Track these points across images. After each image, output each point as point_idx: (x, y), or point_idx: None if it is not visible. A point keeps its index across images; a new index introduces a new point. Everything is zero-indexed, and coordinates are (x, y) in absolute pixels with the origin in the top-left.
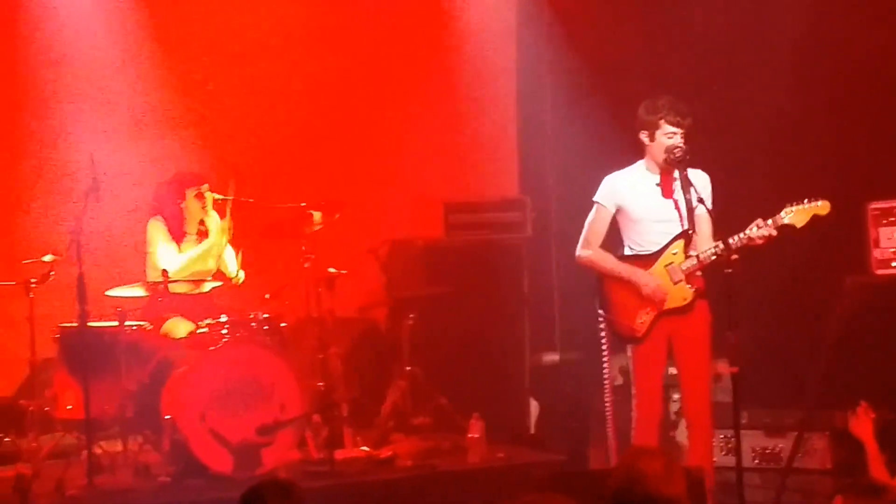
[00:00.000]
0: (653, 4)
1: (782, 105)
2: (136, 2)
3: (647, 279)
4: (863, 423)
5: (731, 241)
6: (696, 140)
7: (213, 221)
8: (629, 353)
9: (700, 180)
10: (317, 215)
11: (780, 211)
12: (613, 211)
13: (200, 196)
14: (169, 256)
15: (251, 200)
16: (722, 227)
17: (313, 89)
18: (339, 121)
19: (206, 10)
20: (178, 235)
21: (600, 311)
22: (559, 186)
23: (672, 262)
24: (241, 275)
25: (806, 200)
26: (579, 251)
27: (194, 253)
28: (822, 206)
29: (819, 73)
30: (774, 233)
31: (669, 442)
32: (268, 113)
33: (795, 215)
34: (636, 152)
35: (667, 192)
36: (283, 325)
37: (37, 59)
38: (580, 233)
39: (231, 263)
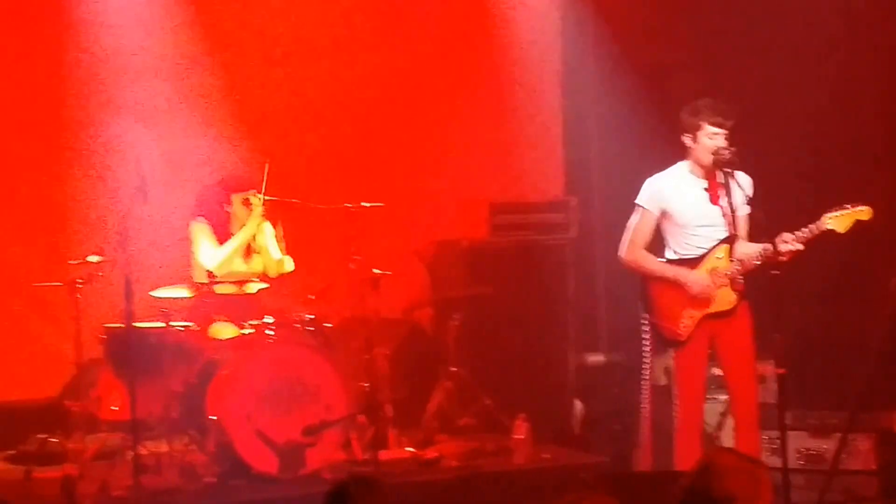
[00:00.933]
0: (698, 6)
1: (826, 106)
2: (184, 3)
3: (696, 278)
4: None
5: (776, 245)
6: (739, 142)
7: (258, 226)
8: (672, 355)
9: (743, 181)
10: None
11: (822, 216)
12: (658, 214)
13: (247, 202)
14: (210, 253)
15: (296, 201)
16: (766, 230)
17: (360, 90)
18: (384, 121)
19: (253, 11)
20: (222, 239)
21: (644, 314)
22: (604, 187)
23: (717, 267)
24: (289, 261)
25: (848, 206)
26: (623, 253)
27: (234, 243)
28: (864, 212)
29: (862, 74)
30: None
31: (713, 444)
32: (314, 114)
33: (837, 221)
34: (681, 154)
35: (714, 198)
36: (328, 325)
37: (84, 60)
38: (625, 234)
39: (273, 248)
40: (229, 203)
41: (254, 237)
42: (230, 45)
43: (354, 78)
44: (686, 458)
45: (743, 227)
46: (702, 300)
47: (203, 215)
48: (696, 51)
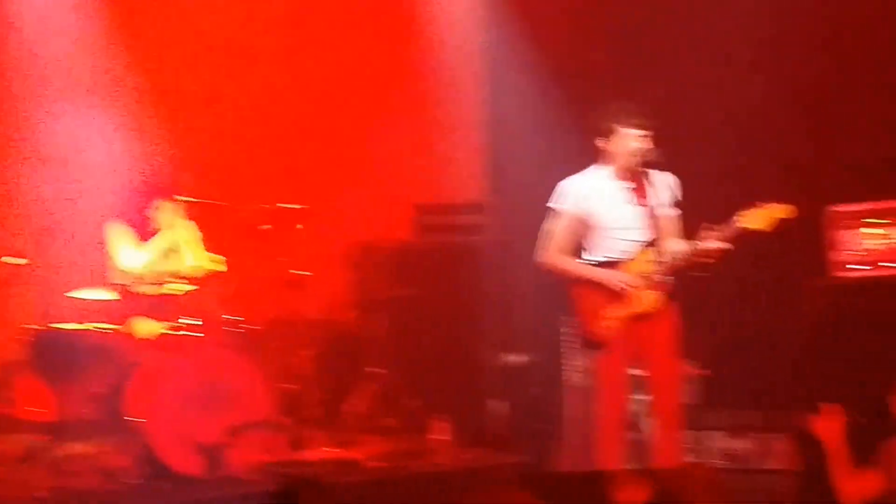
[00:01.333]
0: (617, 9)
1: (745, 109)
2: (107, 7)
3: (618, 276)
4: (830, 425)
5: (697, 245)
6: (658, 144)
7: (178, 228)
8: (593, 356)
9: (667, 182)
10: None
11: (743, 214)
12: (575, 217)
13: (167, 208)
14: (129, 255)
15: (222, 203)
16: (688, 230)
17: (284, 92)
18: (309, 123)
19: (176, 14)
20: (143, 239)
21: (567, 316)
22: (526, 189)
23: (643, 269)
24: (213, 262)
25: (768, 204)
26: (543, 257)
27: (155, 247)
28: (784, 209)
29: (782, 73)
30: (737, 234)
31: (635, 444)
32: (239, 116)
33: (758, 218)
34: (601, 156)
35: (639, 199)
36: (252, 326)
37: (6, 64)
38: (543, 238)
39: (196, 251)
40: (150, 207)
41: (176, 241)
42: (154, 48)
43: (280, 81)
44: (608, 458)
45: (669, 227)
46: (624, 300)
47: (125, 217)
48: (617, 53)
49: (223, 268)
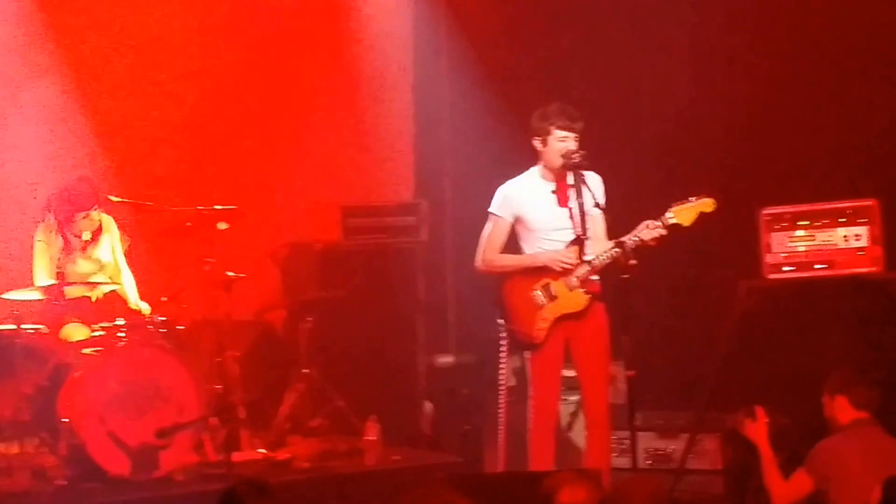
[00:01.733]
0: (550, 9)
1: (676, 109)
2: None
3: (545, 255)
4: (758, 427)
5: (624, 242)
6: (589, 143)
7: (106, 230)
8: (527, 357)
9: (593, 182)
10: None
11: (667, 210)
12: (511, 221)
13: (88, 217)
14: (42, 277)
15: (149, 204)
16: (615, 229)
17: (210, 90)
18: (236, 123)
19: (103, 14)
20: (66, 241)
21: (500, 319)
22: (455, 191)
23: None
24: (145, 306)
25: (691, 198)
26: (478, 260)
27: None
28: (707, 203)
29: (710, 72)
30: (664, 232)
31: (564, 444)
32: (166, 114)
33: (681, 213)
34: (533, 159)
35: (562, 200)
36: (180, 327)
37: None
38: (476, 237)
39: (131, 292)
40: (72, 220)
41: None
42: (81, 49)
43: (206, 79)
44: (540, 458)
45: (594, 228)
46: (553, 302)
47: (49, 221)
48: (548, 54)
49: (153, 269)
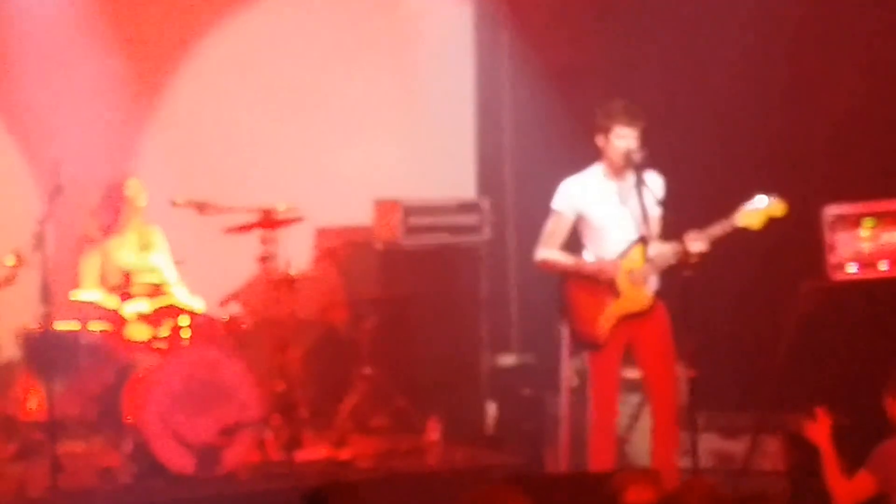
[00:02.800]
0: (613, 7)
1: (740, 108)
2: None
3: (594, 265)
4: (819, 428)
5: (687, 243)
6: (653, 142)
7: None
8: (587, 357)
9: (654, 182)
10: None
11: (735, 212)
12: (573, 217)
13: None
14: (88, 293)
15: (211, 203)
16: (676, 229)
17: (273, 90)
18: (297, 121)
19: (172, 12)
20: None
21: (561, 317)
22: (517, 188)
23: (631, 268)
24: (199, 303)
25: (762, 198)
26: (538, 254)
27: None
28: (778, 208)
29: (774, 71)
30: (728, 231)
31: (625, 445)
32: (231, 114)
33: (750, 216)
34: (595, 155)
35: (625, 198)
36: (242, 327)
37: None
38: (538, 235)
39: (182, 294)
40: (119, 210)
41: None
42: (146, 45)
43: (267, 78)
44: (600, 459)
45: (655, 228)
46: (617, 299)
47: (102, 222)
48: (610, 51)
49: (215, 269)
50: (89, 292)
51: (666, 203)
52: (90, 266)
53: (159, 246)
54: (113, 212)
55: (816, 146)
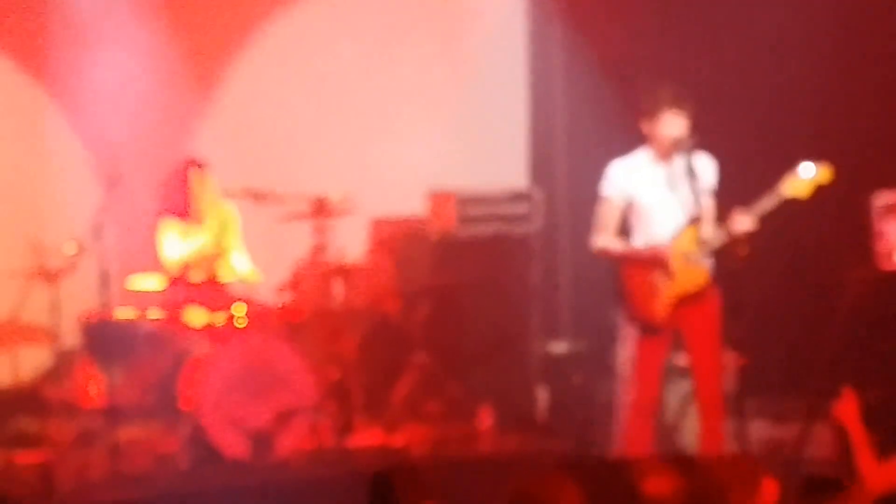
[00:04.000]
0: None
1: (790, 93)
2: None
3: (648, 251)
4: (847, 408)
5: (735, 222)
6: (702, 125)
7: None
8: (635, 339)
9: (705, 165)
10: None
11: (781, 183)
12: (624, 204)
13: (200, 181)
14: (176, 248)
15: (266, 193)
16: (728, 211)
17: (324, 79)
18: (350, 112)
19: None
20: (184, 215)
21: (617, 302)
22: (569, 177)
23: (683, 251)
24: (254, 274)
25: (806, 165)
26: (595, 242)
27: (202, 236)
28: (823, 173)
29: (822, 59)
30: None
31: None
32: (285, 103)
33: (797, 186)
34: (645, 141)
35: (673, 183)
36: (297, 315)
37: (58, 42)
38: (589, 223)
39: (242, 264)
40: (190, 194)
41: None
42: (200, 35)
43: (319, 68)
44: (636, 444)
45: (707, 211)
46: (671, 282)
47: (169, 208)
48: (663, 37)
49: (271, 257)
50: (148, 280)
51: (716, 186)
52: (168, 250)
53: (233, 226)
54: (180, 196)
55: (866, 132)
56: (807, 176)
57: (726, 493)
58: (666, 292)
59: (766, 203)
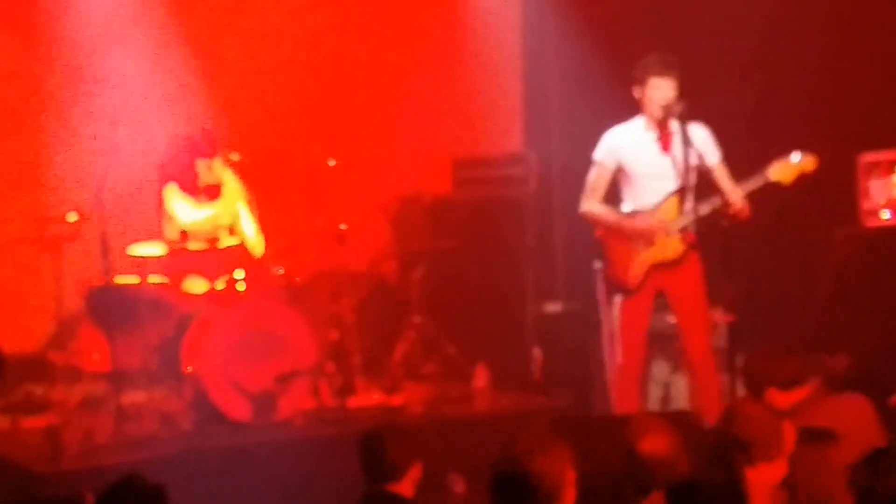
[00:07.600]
0: None
1: (778, 58)
2: None
3: (635, 223)
4: None
5: (726, 196)
6: (692, 94)
7: (227, 184)
8: (617, 302)
9: (700, 134)
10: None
11: (767, 167)
12: (613, 168)
13: (210, 167)
14: (185, 210)
15: (264, 158)
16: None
17: (321, 47)
18: (347, 78)
19: None
20: (191, 192)
21: (597, 263)
22: (563, 141)
23: (668, 217)
24: (260, 241)
25: (794, 154)
26: (582, 206)
27: (210, 212)
28: (809, 162)
29: (809, 23)
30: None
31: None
32: (277, 71)
33: (783, 171)
34: (638, 108)
35: (665, 148)
36: (296, 279)
37: (58, 19)
38: (582, 187)
39: (248, 229)
40: (193, 167)
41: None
42: (197, 5)
43: (317, 36)
44: (624, 403)
45: (717, 175)
46: (648, 250)
47: (171, 174)
48: (654, 4)
49: (269, 223)
50: (149, 247)
51: (715, 150)
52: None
53: (240, 194)
54: (187, 156)
55: (852, 94)
56: (793, 162)
57: (751, 440)
58: (642, 257)
59: (752, 183)
